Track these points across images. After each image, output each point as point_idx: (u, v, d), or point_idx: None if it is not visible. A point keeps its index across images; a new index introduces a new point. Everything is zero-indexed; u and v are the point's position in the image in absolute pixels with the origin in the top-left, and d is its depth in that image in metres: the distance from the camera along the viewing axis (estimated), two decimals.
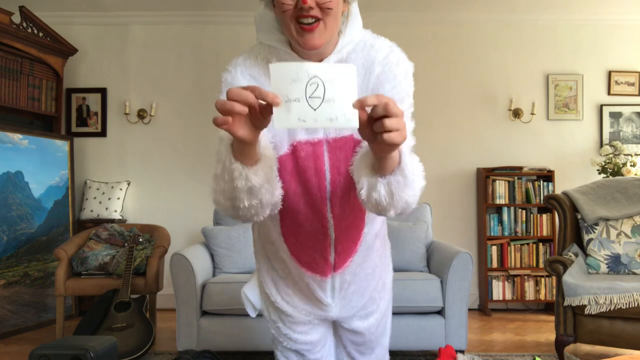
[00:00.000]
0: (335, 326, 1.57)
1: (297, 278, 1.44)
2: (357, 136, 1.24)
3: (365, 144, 1.13)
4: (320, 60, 1.24)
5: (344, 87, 0.93)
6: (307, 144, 1.26)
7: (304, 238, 1.36)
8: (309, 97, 0.91)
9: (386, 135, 0.96)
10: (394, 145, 0.99)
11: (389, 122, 0.95)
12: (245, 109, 0.95)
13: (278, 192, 1.18)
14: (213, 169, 1.15)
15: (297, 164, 1.26)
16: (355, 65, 1.13)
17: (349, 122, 0.93)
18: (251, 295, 1.64)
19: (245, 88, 0.95)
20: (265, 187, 1.13)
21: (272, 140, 1.23)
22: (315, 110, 0.92)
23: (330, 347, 1.60)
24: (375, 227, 1.43)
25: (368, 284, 1.48)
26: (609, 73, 4.69)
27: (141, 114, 4.64)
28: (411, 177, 1.11)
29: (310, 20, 1.14)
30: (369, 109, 0.98)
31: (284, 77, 0.92)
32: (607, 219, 3.22)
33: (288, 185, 1.27)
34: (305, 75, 0.92)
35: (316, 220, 1.33)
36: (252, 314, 1.70)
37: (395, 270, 3.42)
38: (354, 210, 1.34)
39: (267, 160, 1.13)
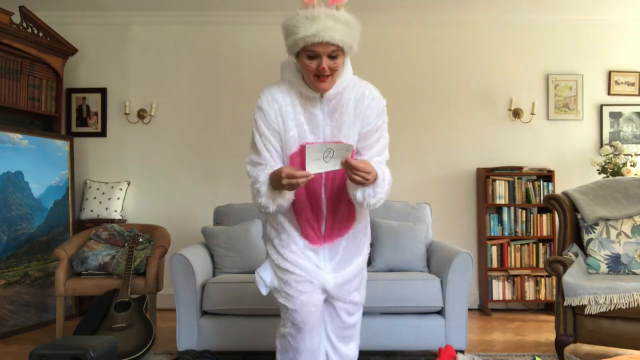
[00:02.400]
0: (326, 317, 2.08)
1: (302, 248, 2.00)
2: (346, 141, 1.94)
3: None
4: (324, 92, 1.91)
5: (345, 154, 1.77)
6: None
7: (304, 214, 1.98)
8: (325, 157, 1.76)
9: (356, 180, 1.81)
10: (362, 184, 1.83)
11: (357, 178, 1.79)
12: (302, 184, 1.79)
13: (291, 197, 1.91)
14: (254, 192, 1.92)
15: (303, 160, 1.78)
16: (348, 96, 1.94)
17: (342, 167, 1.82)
18: (264, 275, 2.04)
19: (297, 173, 1.75)
20: (292, 198, 1.91)
21: (288, 142, 1.93)
22: (327, 163, 1.77)
23: (321, 334, 2.06)
24: (360, 226, 2.08)
25: (353, 259, 2.07)
26: (609, 73, 4.69)
27: (141, 114, 4.64)
28: (382, 184, 1.87)
29: (324, 76, 1.86)
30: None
31: (314, 149, 1.74)
32: (607, 219, 3.22)
33: None
34: (324, 148, 1.75)
35: (314, 202, 1.97)
36: (264, 292, 2.05)
37: (395, 270, 3.45)
38: (342, 199, 1.97)
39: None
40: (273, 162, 1.92)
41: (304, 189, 1.92)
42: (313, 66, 1.83)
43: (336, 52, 1.82)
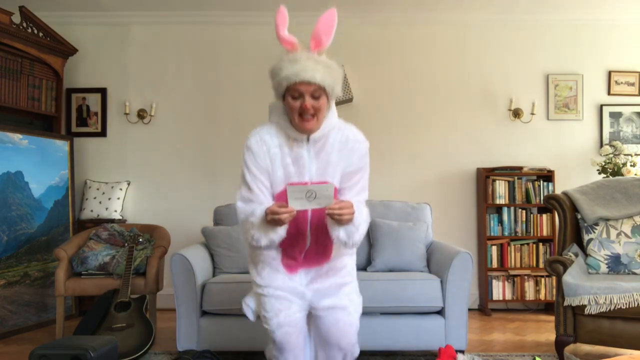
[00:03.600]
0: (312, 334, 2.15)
1: (280, 272, 2.09)
2: (331, 181, 2.04)
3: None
4: (310, 134, 1.99)
5: (326, 194, 1.84)
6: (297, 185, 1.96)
7: (288, 247, 2.05)
8: (307, 198, 1.83)
9: (337, 219, 1.88)
10: (343, 224, 1.90)
11: (339, 216, 1.87)
12: (286, 221, 1.87)
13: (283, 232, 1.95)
14: (248, 228, 1.97)
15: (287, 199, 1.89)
16: (333, 138, 2.03)
17: (325, 206, 1.87)
18: (250, 302, 2.14)
19: (280, 210, 1.83)
20: (284, 234, 1.94)
21: (275, 182, 2.02)
22: (310, 202, 1.84)
23: (307, 355, 2.14)
24: (339, 262, 2.14)
25: (332, 274, 2.13)
26: (609, 73, 4.69)
27: (141, 114, 4.64)
28: (358, 226, 1.95)
29: (308, 116, 1.94)
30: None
31: (296, 190, 1.83)
32: (607, 219, 3.22)
33: None
34: (306, 189, 1.83)
35: (299, 237, 2.05)
36: (252, 319, 2.15)
37: (395, 270, 3.45)
38: (324, 234, 2.01)
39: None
40: (264, 198, 2.00)
41: (291, 223, 1.96)
42: (297, 105, 1.92)
43: (318, 92, 1.92)
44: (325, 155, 2.02)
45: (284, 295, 2.04)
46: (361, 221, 1.96)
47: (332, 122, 2.05)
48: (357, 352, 2.14)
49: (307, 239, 2.06)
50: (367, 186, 2.11)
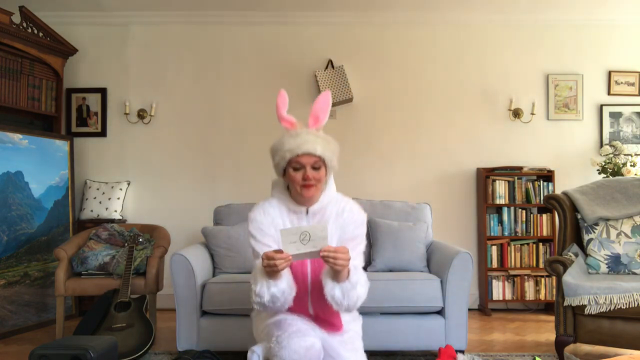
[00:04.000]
0: None
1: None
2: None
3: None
4: (310, 204, 2.12)
5: (320, 234, 1.83)
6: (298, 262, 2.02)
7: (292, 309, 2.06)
8: (302, 240, 1.82)
9: (331, 263, 1.86)
10: (338, 269, 1.87)
11: (333, 260, 1.84)
12: (282, 267, 1.85)
13: (291, 291, 1.96)
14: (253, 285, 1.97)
15: (289, 266, 1.93)
16: (330, 210, 2.15)
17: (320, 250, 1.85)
18: (258, 349, 2.11)
19: (275, 255, 1.83)
20: (287, 290, 1.94)
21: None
22: (305, 245, 1.82)
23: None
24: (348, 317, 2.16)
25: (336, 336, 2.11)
26: (609, 73, 4.69)
27: (141, 114, 4.64)
28: (355, 284, 1.94)
29: (310, 184, 2.05)
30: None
31: (289, 233, 1.83)
32: (607, 219, 3.22)
33: None
34: (299, 231, 1.82)
35: (302, 303, 2.06)
36: None
37: (395, 270, 3.45)
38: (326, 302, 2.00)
39: (286, 275, 1.96)
40: None
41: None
42: (299, 177, 2.05)
43: (318, 164, 2.07)
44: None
45: (300, 323, 1.99)
46: (358, 280, 1.96)
47: (331, 195, 2.18)
48: None
49: (309, 307, 2.06)
50: (363, 254, 2.17)
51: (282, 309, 1.99)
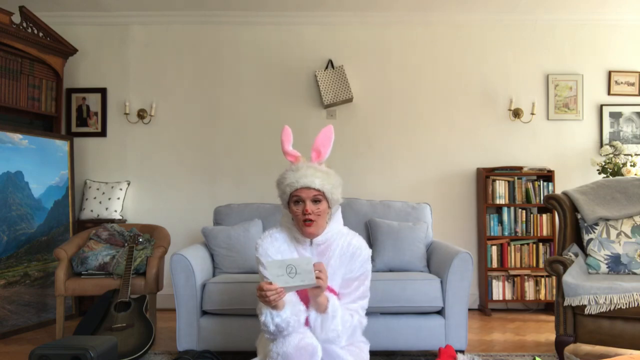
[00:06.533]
0: None
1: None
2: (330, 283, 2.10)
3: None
4: (314, 237, 2.16)
5: (306, 268, 1.87)
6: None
7: None
8: (289, 274, 1.86)
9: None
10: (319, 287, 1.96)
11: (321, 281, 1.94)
12: (273, 299, 1.90)
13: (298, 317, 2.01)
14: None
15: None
16: (336, 243, 2.18)
17: (309, 283, 1.90)
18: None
19: (265, 286, 1.88)
20: (292, 318, 1.98)
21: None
22: (293, 279, 1.87)
23: None
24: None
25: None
26: (609, 73, 4.69)
27: (141, 114, 4.64)
28: (333, 314, 2.02)
29: (309, 221, 2.10)
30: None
31: (274, 265, 1.88)
32: (607, 219, 3.22)
33: None
34: (285, 264, 1.87)
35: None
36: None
37: (395, 270, 3.45)
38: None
39: (290, 305, 2.01)
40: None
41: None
42: (299, 211, 2.11)
43: (318, 197, 2.11)
44: (327, 259, 2.15)
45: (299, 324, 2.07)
46: (337, 314, 2.02)
47: (337, 228, 2.21)
48: None
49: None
50: (368, 294, 2.20)
51: (293, 333, 2.01)
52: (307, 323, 2.10)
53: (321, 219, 2.13)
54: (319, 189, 2.09)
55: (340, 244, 2.19)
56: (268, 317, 1.97)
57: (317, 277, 1.91)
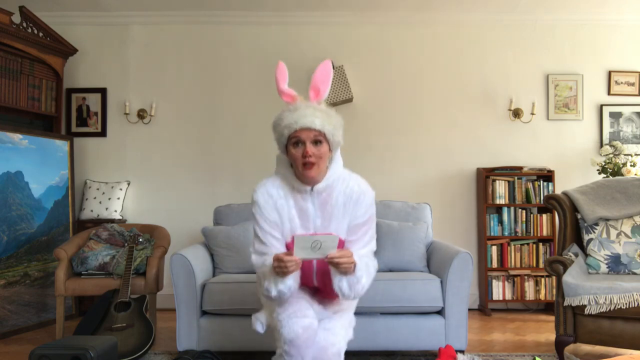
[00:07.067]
0: None
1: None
2: (335, 233, 2.03)
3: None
4: (314, 183, 2.04)
5: (331, 244, 1.87)
6: None
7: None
8: (312, 248, 1.85)
9: (342, 269, 1.92)
10: (342, 272, 1.93)
11: (336, 265, 1.91)
12: (291, 270, 1.90)
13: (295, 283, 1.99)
14: (261, 281, 2.03)
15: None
16: (338, 190, 2.07)
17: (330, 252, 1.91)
18: (261, 316, 2.18)
19: (285, 258, 1.86)
20: (293, 285, 1.97)
21: (280, 233, 2.07)
22: (315, 252, 1.87)
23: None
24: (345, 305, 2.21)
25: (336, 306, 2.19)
26: (609, 73, 4.69)
27: (141, 114, 4.64)
28: (360, 278, 1.97)
29: (310, 164, 1.96)
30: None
31: (301, 240, 1.85)
32: (607, 219, 3.22)
33: None
34: (312, 240, 1.85)
35: (307, 281, 2.10)
36: (261, 330, 2.16)
37: (395, 270, 3.45)
38: (330, 283, 2.03)
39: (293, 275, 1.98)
40: (276, 250, 2.03)
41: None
42: (299, 153, 1.97)
43: (319, 138, 1.98)
44: (330, 208, 2.06)
45: (299, 297, 2.08)
46: (363, 274, 1.99)
47: (337, 172, 2.10)
48: None
49: (314, 280, 2.11)
50: (375, 236, 2.14)
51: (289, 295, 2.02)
52: (306, 283, 2.09)
53: (322, 162, 2.00)
54: (320, 129, 1.96)
55: (343, 191, 2.08)
56: (272, 284, 1.94)
57: (346, 263, 1.89)
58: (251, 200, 2.09)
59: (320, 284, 2.11)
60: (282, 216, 2.05)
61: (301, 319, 1.97)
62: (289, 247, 2.03)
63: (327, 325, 2.08)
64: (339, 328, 2.11)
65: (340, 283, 1.96)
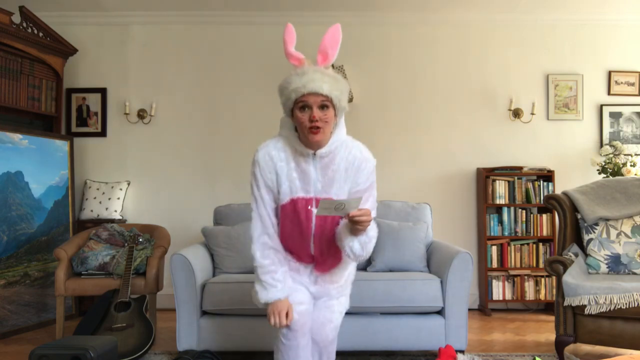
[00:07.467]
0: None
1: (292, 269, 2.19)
2: (337, 198, 2.05)
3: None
4: (318, 148, 2.02)
5: (355, 206, 1.85)
6: (302, 199, 2.05)
7: (295, 253, 2.16)
8: (335, 208, 1.83)
9: (359, 226, 1.90)
10: (361, 229, 1.92)
11: (360, 222, 1.89)
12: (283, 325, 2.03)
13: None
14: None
15: (294, 209, 2.03)
16: (341, 156, 2.07)
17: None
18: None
19: (282, 319, 2.00)
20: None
21: (281, 193, 2.06)
22: (336, 211, 1.84)
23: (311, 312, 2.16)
24: (347, 271, 2.25)
25: (333, 284, 2.22)
26: (609, 73, 4.69)
27: (141, 114, 4.64)
28: (372, 237, 2.02)
29: (316, 127, 1.95)
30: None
31: (326, 202, 1.82)
32: (607, 219, 3.22)
33: (284, 224, 2.08)
34: (336, 202, 1.82)
35: (304, 244, 2.11)
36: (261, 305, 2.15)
37: (395, 270, 3.45)
38: (330, 246, 2.10)
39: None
40: (270, 209, 2.09)
41: (295, 230, 2.07)
42: (305, 118, 1.96)
43: (326, 103, 1.96)
44: (332, 173, 2.05)
45: (295, 285, 2.14)
46: (373, 234, 2.03)
47: (340, 138, 2.09)
48: (333, 353, 2.18)
49: (311, 248, 2.11)
50: (376, 204, 2.16)
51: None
52: (302, 259, 2.13)
53: (327, 127, 1.99)
54: (327, 94, 1.94)
55: (345, 157, 2.09)
56: (263, 295, 2.04)
57: (366, 221, 1.89)
58: (252, 161, 2.09)
59: (317, 251, 2.11)
60: (281, 177, 2.05)
61: (297, 305, 2.04)
62: (282, 209, 2.06)
63: (325, 304, 2.15)
64: (336, 305, 2.17)
65: (352, 243, 1.97)
